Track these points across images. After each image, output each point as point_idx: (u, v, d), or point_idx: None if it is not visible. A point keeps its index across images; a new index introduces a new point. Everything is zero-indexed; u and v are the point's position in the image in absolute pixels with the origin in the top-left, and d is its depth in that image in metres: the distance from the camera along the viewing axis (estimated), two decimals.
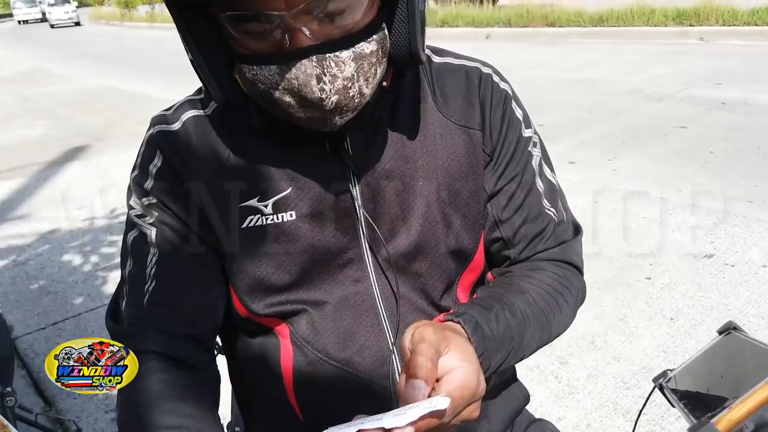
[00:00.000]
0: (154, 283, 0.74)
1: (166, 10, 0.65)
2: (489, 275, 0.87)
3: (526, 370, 2.30)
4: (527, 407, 0.96)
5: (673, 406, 0.71)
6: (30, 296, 3.24)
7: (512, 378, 0.94)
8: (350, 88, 0.64)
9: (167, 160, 0.75)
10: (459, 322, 0.66)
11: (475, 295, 0.83)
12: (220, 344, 0.91)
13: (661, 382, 0.72)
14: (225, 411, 1.07)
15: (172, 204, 0.75)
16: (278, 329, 0.79)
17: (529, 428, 0.92)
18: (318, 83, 0.62)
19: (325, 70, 0.62)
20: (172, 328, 0.74)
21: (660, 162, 4.23)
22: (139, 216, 0.76)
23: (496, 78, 0.82)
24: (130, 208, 0.78)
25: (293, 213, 0.75)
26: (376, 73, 0.67)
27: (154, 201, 0.75)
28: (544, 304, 0.77)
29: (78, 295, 3.21)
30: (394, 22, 0.68)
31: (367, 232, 0.77)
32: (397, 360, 0.78)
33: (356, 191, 0.75)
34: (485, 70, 0.82)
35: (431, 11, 13.19)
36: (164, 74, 9.72)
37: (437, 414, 0.55)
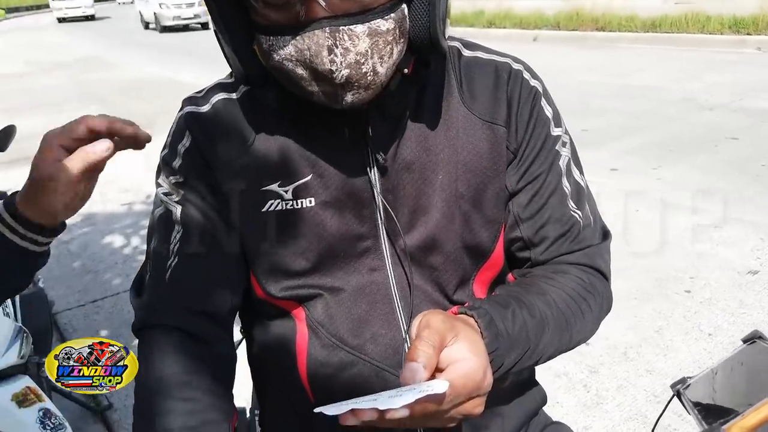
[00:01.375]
0: (176, 260, 0.75)
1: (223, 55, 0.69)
2: (510, 276, 0.85)
3: (553, 377, 2.26)
4: (544, 409, 0.94)
5: (689, 413, 0.69)
6: (72, 274, 3.35)
7: (530, 378, 0.93)
8: (363, 64, 0.63)
9: (195, 140, 0.76)
10: (473, 316, 0.65)
11: (494, 293, 0.81)
12: (242, 328, 0.92)
13: (678, 389, 0.69)
14: (248, 395, 1.08)
15: (197, 183, 0.76)
16: (295, 313, 0.79)
17: (545, 430, 0.90)
18: (329, 54, 0.61)
19: (337, 42, 0.61)
20: (190, 304, 0.75)
21: (707, 173, 4.10)
22: (166, 194, 0.78)
23: (526, 74, 0.81)
24: (158, 186, 0.79)
25: (312, 200, 0.75)
26: (392, 53, 0.66)
27: (181, 180, 0.77)
28: (565, 307, 0.75)
29: (117, 275, 3.31)
30: (415, 4, 0.67)
31: (385, 222, 0.77)
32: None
33: (376, 181, 0.75)
34: (516, 66, 0.81)
35: (478, 11, 13.08)
36: (226, 68, 9.88)
37: (434, 399, 0.54)
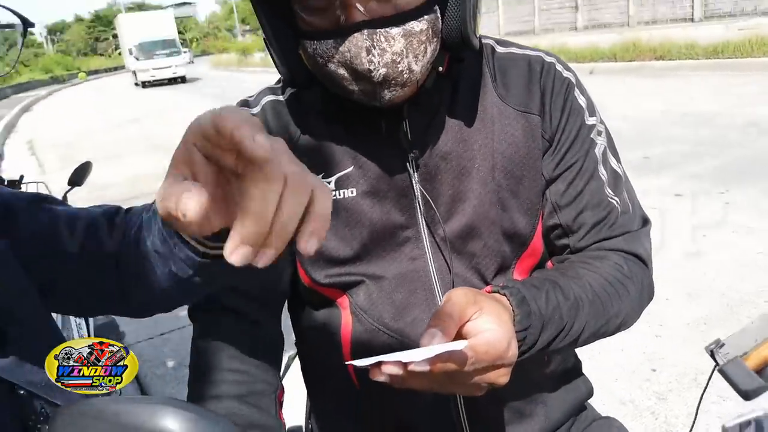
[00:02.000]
0: None
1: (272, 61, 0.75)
2: (549, 264, 0.86)
3: (618, 404, 2.17)
4: (591, 402, 0.92)
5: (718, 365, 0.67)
6: None
7: (575, 368, 0.92)
8: (399, 63, 0.68)
9: None
10: (505, 294, 0.67)
11: (529, 277, 0.82)
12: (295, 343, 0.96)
13: (713, 348, 0.68)
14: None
15: None
16: (339, 301, 0.83)
17: (594, 424, 0.88)
18: (367, 55, 0.66)
19: (375, 44, 0.66)
20: (241, 288, 0.80)
21: None
22: None
23: (559, 66, 0.83)
24: None
25: (354, 190, 0.79)
26: (425, 52, 0.70)
27: None
28: (601, 290, 0.75)
29: (183, 308, 3.43)
30: (447, 6, 0.71)
31: (424, 211, 0.79)
32: None
33: (414, 172, 0.78)
34: (548, 59, 0.83)
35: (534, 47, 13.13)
36: None
37: (455, 357, 0.56)
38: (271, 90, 0.86)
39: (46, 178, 2.79)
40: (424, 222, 0.80)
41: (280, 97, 0.85)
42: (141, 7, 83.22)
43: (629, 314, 0.78)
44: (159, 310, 0.69)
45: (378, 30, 0.66)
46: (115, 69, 51.19)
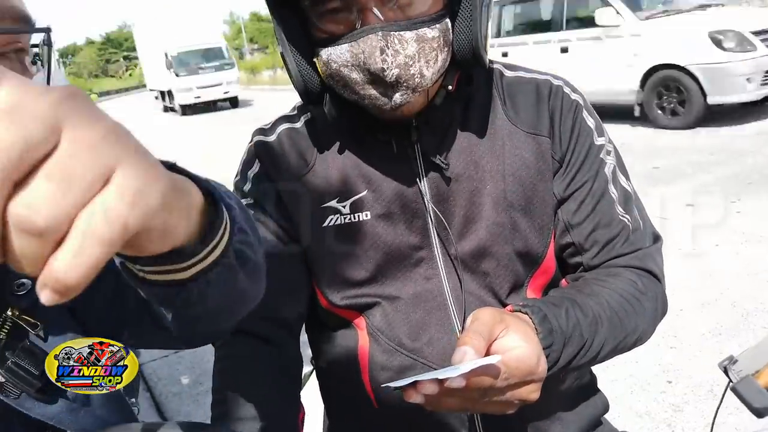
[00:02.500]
0: None
1: (287, 74, 0.78)
2: (563, 282, 0.87)
3: (634, 417, 2.17)
4: (607, 416, 0.93)
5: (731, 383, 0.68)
6: None
7: (590, 384, 0.93)
8: (411, 66, 0.70)
9: (264, 166, 0.85)
10: (527, 313, 0.68)
11: (546, 296, 0.84)
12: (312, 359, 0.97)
13: (726, 365, 0.69)
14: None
15: (266, 204, 0.84)
16: (356, 322, 0.85)
17: None
18: (381, 54, 0.68)
19: (389, 44, 0.69)
20: (262, 312, 0.81)
21: None
22: None
23: (567, 89, 0.85)
24: None
25: (368, 213, 0.81)
26: (437, 59, 0.73)
27: (251, 201, 0.85)
28: (618, 307, 0.76)
29: None
30: (458, 19, 0.74)
31: (437, 231, 0.81)
32: None
33: (426, 193, 0.81)
34: (556, 82, 0.85)
35: None
36: None
37: (489, 371, 0.57)
38: (286, 118, 0.89)
39: None
40: (437, 242, 0.82)
41: (296, 125, 0.87)
42: None
43: (645, 330, 0.79)
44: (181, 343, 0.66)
45: (392, 32, 0.69)
46: (126, 90, 51.81)
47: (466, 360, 0.57)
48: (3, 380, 0.54)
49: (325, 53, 0.73)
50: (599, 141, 0.84)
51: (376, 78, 0.71)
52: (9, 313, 0.58)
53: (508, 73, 0.87)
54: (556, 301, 0.73)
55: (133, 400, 2.04)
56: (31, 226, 0.28)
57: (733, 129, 6.05)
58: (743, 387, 0.67)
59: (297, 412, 0.79)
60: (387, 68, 0.69)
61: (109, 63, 79.59)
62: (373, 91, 0.72)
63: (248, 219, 0.54)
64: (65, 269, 0.28)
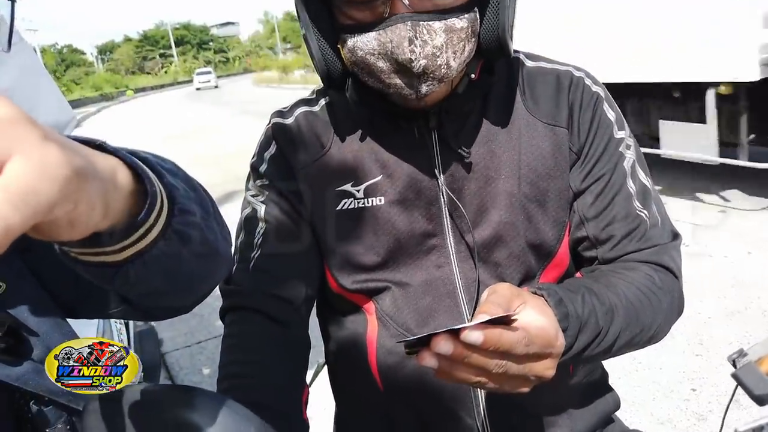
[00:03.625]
0: (259, 252, 0.83)
1: (309, 57, 0.77)
2: (578, 275, 0.85)
3: (656, 424, 2.12)
4: (626, 421, 0.91)
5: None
6: (181, 317, 3.58)
7: (601, 380, 0.91)
8: (438, 56, 0.69)
9: (280, 148, 0.86)
10: (542, 295, 0.66)
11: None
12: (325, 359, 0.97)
13: (734, 358, 0.66)
14: None
15: (281, 185, 0.85)
16: (366, 307, 0.85)
17: None
18: (409, 45, 0.68)
19: (417, 35, 0.68)
20: (271, 290, 0.82)
21: None
22: (253, 195, 0.87)
23: (588, 81, 0.83)
24: (247, 190, 0.89)
25: (382, 198, 0.81)
26: (464, 49, 0.72)
27: (267, 182, 0.86)
28: (635, 299, 0.74)
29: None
30: (487, 9, 0.73)
31: (450, 220, 0.81)
32: None
33: (442, 181, 0.80)
34: (577, 73, 0.84)
35: None
36: None
37: (508, 328, 0.55)
38: (304, 102, 0.89)
39: None
40: (450, 230, 0.81)
41: (314, 108, 0.87)
42: (186, 28, 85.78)
43: (661, 326, 0.77)
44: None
45: (421, 22, 0.68)
46: (162, 86, 53.08)
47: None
48: None
49: (351, 40, 0.73)
50: (619, 134, 0.82)
51: (402, 68, 0.70)
52: None
53: (529, 63, 0.86)
54: (573, 287, 0.71)
55: None
56: None
57: None
58: (744, 373, 0.64)
59: (302, 390, 0.79)
60: (415, 59, 0.68)
61: (146, 60, 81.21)
62: (398, 81, 0.72)
63: (198, 198, 0.53)
64: None
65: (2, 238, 0.29)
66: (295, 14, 0.79)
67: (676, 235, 0.83)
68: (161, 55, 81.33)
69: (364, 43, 0.71)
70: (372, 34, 0.70)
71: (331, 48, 0.76)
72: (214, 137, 12.06)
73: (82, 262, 0.45)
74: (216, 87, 41.20)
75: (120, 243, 0.43)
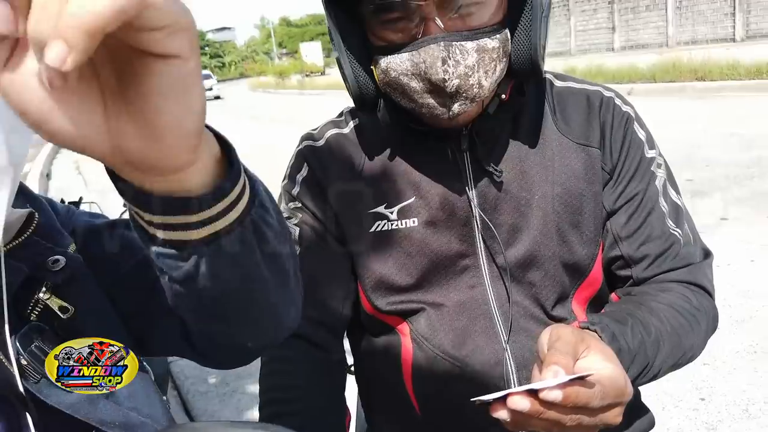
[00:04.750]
0: None
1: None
2: (613, 296, 0.86)
3: None
4: None
5: None
6: None
7: (637, 401, 0.91)
8: (471, 76, 0.70)
9: (312, 170, 0.86)
10: (596, 331, 0.66)
11: (603, 311, 0.82)
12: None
13: None
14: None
15: (314, 208, 0.85)
16: (399, 328, 0.85)
17: None
18: (442, 65, 0.69)
19: (450, 55, 0.69)
20: (310, 315, 0.82)
21: None
22: (286, 218, 0.87)
23: (618, 101, 0.84)
24: None
25: (416, 220, 0.81)
26: (495, 69, 0.73)
27: (299, 205, 0.86)
28: (677, 324, 0.75)
29: None
30: (518, 29, 0.74)
31: (483, 240, 0.81)
32: (511, 361, 0.80)
33: (474, 202, 0.81)
34: (607, 93, 0.85)
35: (571, 68, 13.06)
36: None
37: (586, 389, 0.55)
38: (334, 124, 0.90)
39: (92, 197, 2.88)
40: (483, 251, 0.81)
41: (344, 130, 0.88)
42: None
43: (699, 346, 0.78)
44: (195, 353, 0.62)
45: (454, 43, 0.69)
46: None
47: (558, 378, 0.55)
48: (25, 363, 0.51)
49: (384, 61, 0.73)
50: (650, 154, 0.83)
51: (436, 87, 0.71)
52: (42, 295, 0.56)
53: (558, 83, 0.86)
54: (621, 317, 0.72)
55: (164, 398, 2.07)
56: None
57: None
58: None
59: (344, 415, 0.79)
60: (448, 78, 0.69)
61: None
62: (431, 101, 0.72)
63: (274, 206, 0.50)
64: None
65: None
66: (291, 20, 0.78)
67: (707, 254, 0.84)
68: None
69: (398, 64, 0.72)
70: (405, 55, 0.71)
71: (364, 70, 0.77)
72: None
73: (159, 241, 0.42)
74: (218, 98, 28.88)
75: (203, 212, 0.41)
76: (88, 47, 0.29)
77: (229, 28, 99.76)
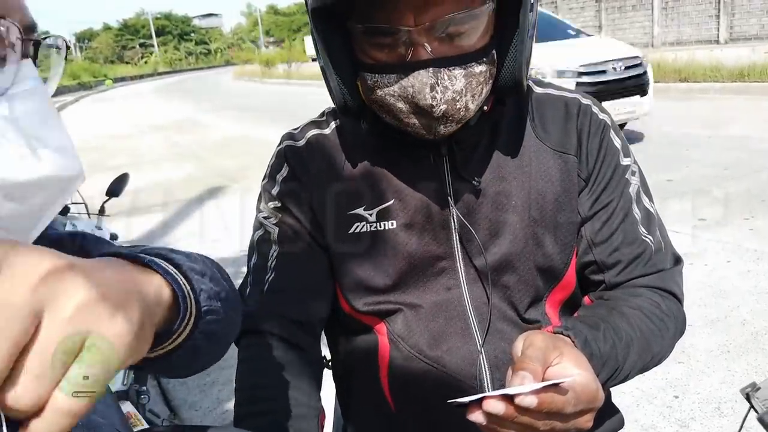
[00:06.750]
0: (273, 275, 0.84)
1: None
2: (586, 299, 0.88)
3: (639, 430, 2.17)
4: None
5: (757, 412, 0.69)
6: None
7: (608, 401, 0.93)
8: (458, 101, 0.71)
9: (292, 170, 0.87)
10: (569, 336, 0.68)
11: (576, 314, 0.84)
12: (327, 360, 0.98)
13: (749, 392, 0.70)
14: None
15: (293, 208, 0.86)
16: (377, 328, 0.86)
17: None
18: (431, 91, 0.70)
19: (439, 81, 0.70)
20: (285, 313, 0.83)
21: None
22: (265, 217, 0.88)
23: (595, 109, 0.86)
24: (259, 211, 0.89)
25: (394, 222, 0.82)
26: (482, 92, 0.74)
27: (279, 205, 0.87)
28: (646, 329, 0.77)
29: None
30: (503, 50, 0.75)
31: (461, 243, 0.83)
32: (485, 362, 0.82)
33: (453, 206, 0.82)
34: (585, 101, 0.86)
35: None
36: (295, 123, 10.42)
37: (559, 391, 0.56)
38: (315, 124, 0.90)
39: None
40: (460, 253, 0.83)
41: (325, 131, 0.88)
42: (168, 18, 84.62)
43: (667, 350, 0.80)
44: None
45: (442, 69, 0.70)
46: (141, 77, 52.05)
47: (526, 384, 0.56)
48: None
49: (371, 79, 0.74)
50: (625, 161, 0.85)
51: (423, 111, 0.71)
52: None
53: (537, 90, 0.88)
54: (593, 322, 0.73)
55: (144, 387, 2.07)
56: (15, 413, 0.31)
57: (750, 142, 6.01)
58: None
59: (318, 414, 0.80)
60: (435, 105, 0.70)
61: (125, 49, 79.90)
62: (416, 122, 0.73)
63: (221, 291, 0.55)
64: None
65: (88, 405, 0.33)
66: (278, 8, 0.78)
67: (678, 260, 0.86)
68: (141, 45, 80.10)
69: (385, 84, 0.73)
70: (393, 77, 0.72)
71: (349, 82, 0.77)
72: (195, 132, 11.92)
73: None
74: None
75: (152, 352, 0.46)
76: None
77: (215, 15, 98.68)
